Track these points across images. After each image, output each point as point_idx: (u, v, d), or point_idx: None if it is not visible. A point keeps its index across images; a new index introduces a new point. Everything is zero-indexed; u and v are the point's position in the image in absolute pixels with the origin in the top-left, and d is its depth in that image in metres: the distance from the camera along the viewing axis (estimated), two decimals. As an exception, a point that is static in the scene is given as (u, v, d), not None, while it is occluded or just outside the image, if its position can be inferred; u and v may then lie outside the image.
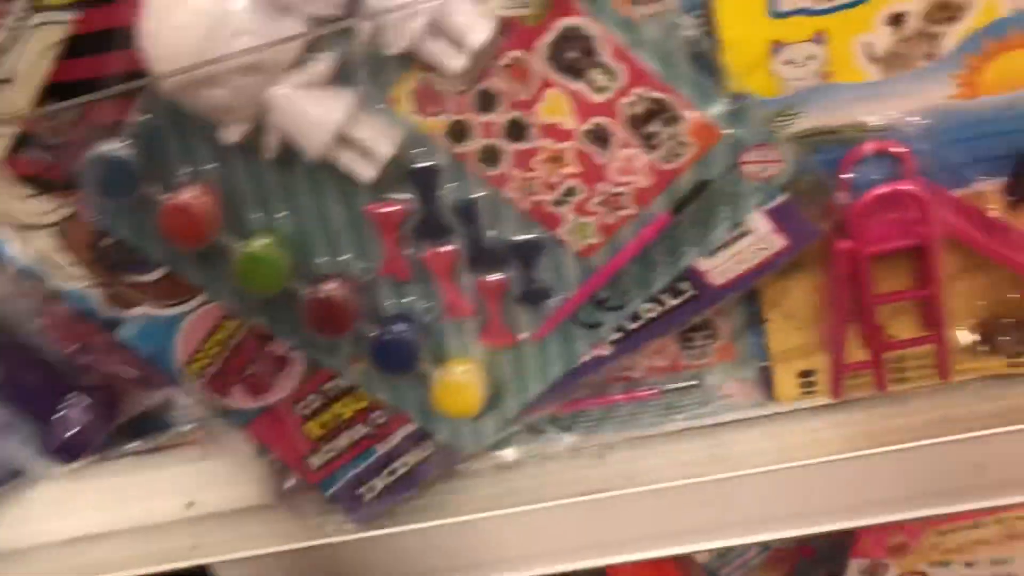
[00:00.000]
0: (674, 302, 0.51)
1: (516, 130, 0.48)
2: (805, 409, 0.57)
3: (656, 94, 0.46)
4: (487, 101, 0.47)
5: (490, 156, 0.48)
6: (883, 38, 0.47)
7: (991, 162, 0.50)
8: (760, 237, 0.50)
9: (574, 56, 0.46)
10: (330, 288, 0.50)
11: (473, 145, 0.48)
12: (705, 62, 0.46)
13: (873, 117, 0.49)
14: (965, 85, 0.47)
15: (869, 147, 0.49)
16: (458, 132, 0.48)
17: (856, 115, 0.49)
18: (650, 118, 0.47)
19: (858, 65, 0.47)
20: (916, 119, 0.48)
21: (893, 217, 0.50)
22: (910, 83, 0.47)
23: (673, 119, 0.47)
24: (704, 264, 0.50)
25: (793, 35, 0.46)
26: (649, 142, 0.47)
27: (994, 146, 0.49)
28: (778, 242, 0.50)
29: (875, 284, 0.52)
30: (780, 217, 0.49)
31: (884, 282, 0.52)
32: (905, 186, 0.48)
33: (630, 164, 0.48)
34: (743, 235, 0.50)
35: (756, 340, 0.56)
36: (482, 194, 0.49)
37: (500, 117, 0.47)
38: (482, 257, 0.51)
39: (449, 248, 0.50)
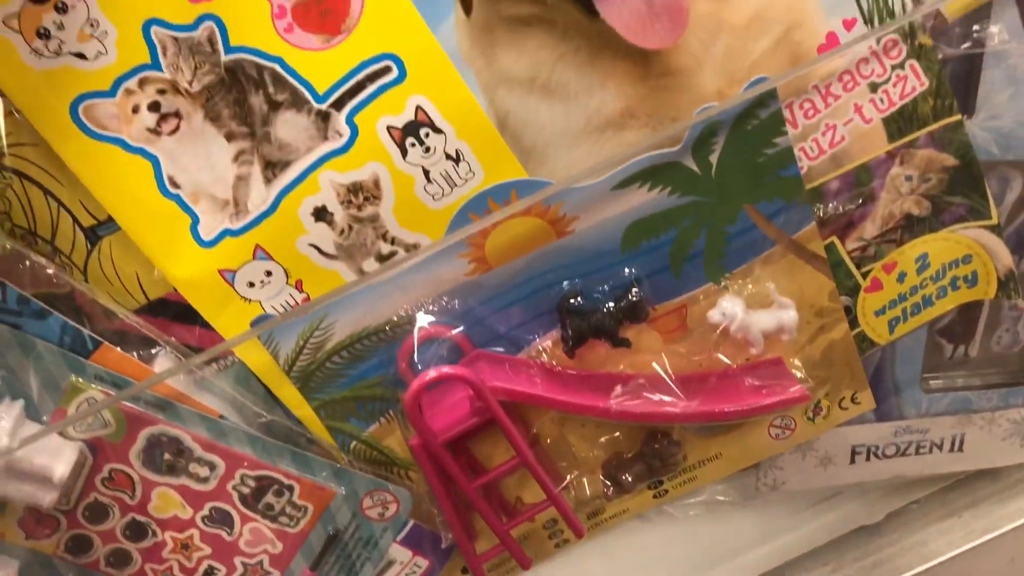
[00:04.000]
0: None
1: (136, 530, 0.48)
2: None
3: (259, 472, 0.47)
4: (98, 513, 0.47)
5: (120, 559, 0.48)
6: (323, 235, 0.44)
7: (541, 319, 0.48)
8: (405, 564, 0.52)
9: (169, 457, 0.46)
10: None
11: (96, 554, 0.48)
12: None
13: (401, 310, 0.47)
14: (476, 260, 0.46)
15: (417, 337, 0.47)
16: (77, 547, 0.48)
17: (385, 314, 0.47)
18: (262, 493, 0.47)
19: (320, 266, 0.45)
20: (445, 302, 0.47)
21: (453, 400, 0.48)
22: (424, 271, 0.46)
23: (283, 490, 0.47)
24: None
25: (234, 260, 0.44)
26: (269, 513, 0.48)
27: (535, 305, 0.48)
28: (422, 563, 0.52)
29: (472, 466, 0.50)
30: (414, 542, 0.51)
31: (490, 458, 0.50)
32: (444, 369, 0.46)
33: (258, 536, 0.49)
34: (389, 566, 0.52)
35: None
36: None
37: (117, 523, 0.47)
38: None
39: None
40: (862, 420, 0.52)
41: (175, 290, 0.45)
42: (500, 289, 0.46)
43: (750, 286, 0.47)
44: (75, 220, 0.45)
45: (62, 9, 0.38)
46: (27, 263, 0.45)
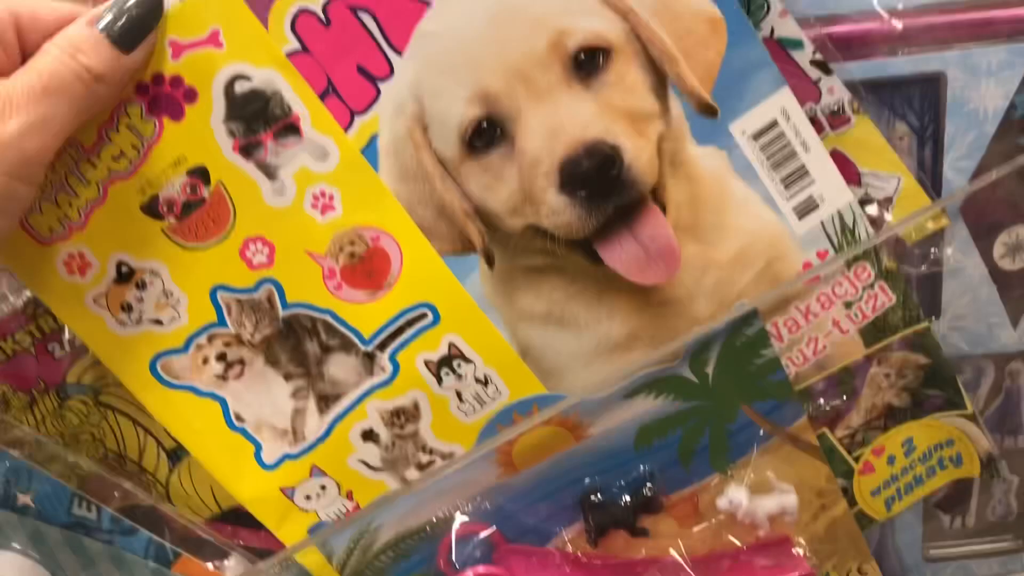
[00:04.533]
0: None
1: None
2: None
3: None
4: None
5: None
6: (371, 452, 0.50)
7: (565, 512, 0.53)
8: None
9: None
10: None
11: None
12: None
13: (440, 511, 0.52)
14: (504, 466, 0.51)
15: (458, 532, 0.53)
16: None
17: (425, 515, 0.52)
18: None
19: (369, 478, 0.50)
20: (478, 502, 0.52)
21: (494, 594, 0.53)
22: (458, 477, 0.51)
23: None
24: None
25: (293, 478, 0.49)
26: None
27: (559, 500, 0.53)
28: None
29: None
30: None
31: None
32: (480, 569, 0.51)
33: None
34: None
35: None
36: None
37: None
38: None
39: None
40: (869, 593, 0.56)
41: (244, 501, 0.51)
42: (527, 488, 0.51)
43: (753, 474, 0.52)
44: (159, 444, 0.52)
45: (142, 286, 0.44)
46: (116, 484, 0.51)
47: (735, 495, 0.51)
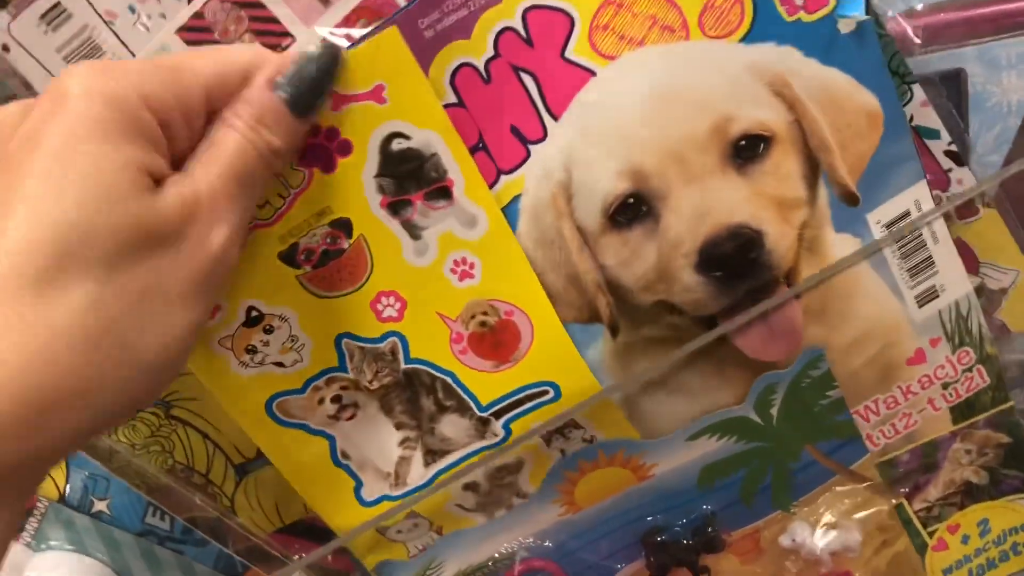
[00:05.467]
0: None
1: None
2: None
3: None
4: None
5: None
6: (469, 498, 0.50)
7: (626, 550, 0.54)
8: None
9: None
10: None
11: None
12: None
13: (500, 548, 0.52)
14: (567, 504, 0.52)
15: (520, 569, 0.54)
16: None
17: (486, 552, 0.53)
18: None
19: (461, 517, 0.51)
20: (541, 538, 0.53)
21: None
22: (519, 516, 0.52)
23: None
24: None
25: (389, 518, 0.49)
26: None
27: (621, 538, 0.54)
28: None
29: None
30: None
31: None
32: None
33: None
34: None
35: None
36: None
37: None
38: None
39: None
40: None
41: (307, 513, 0.52)
42: (589, 526, 0.52)
43: (816, 512, 0.53)
44: (227, 458, 0.51)
45: (269, 331, 0.43)
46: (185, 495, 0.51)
47: (798, 533, 0.53)
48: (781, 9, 0.41)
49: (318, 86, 0.37)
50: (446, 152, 0.41)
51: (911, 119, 0.46)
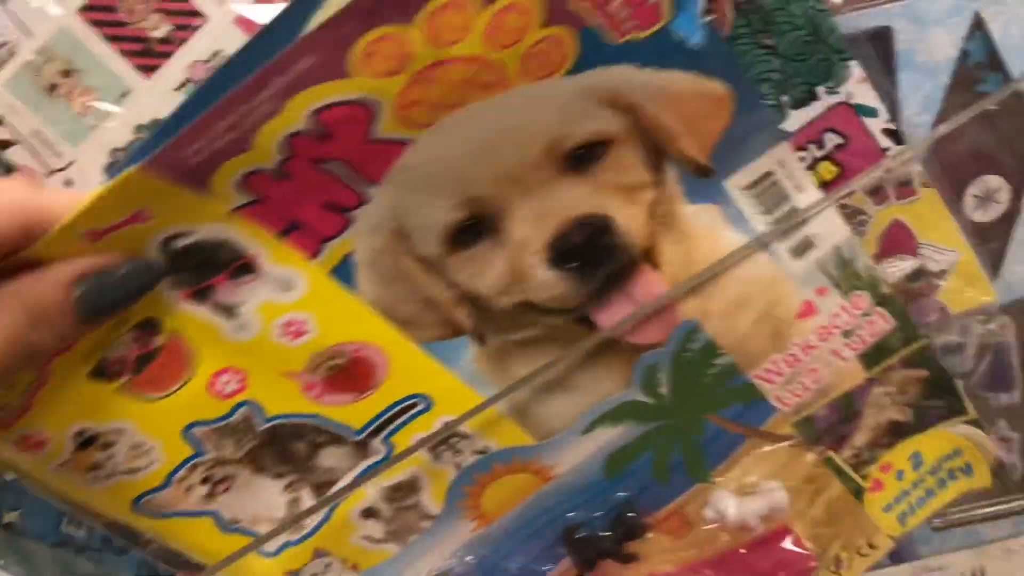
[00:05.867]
0: None
1: None
2: None
3: None
4: None
5: None
6: (373, 527, 0.49)
7: (551, 551, 0.53)
8: None
9: None
10: None
11: None
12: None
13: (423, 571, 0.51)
14: (477, 519, 0.51)
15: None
16: None
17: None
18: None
19: (373, 550, 0.50)
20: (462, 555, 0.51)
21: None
22: (435, 537, 0.50)
23: None
24: None
25: (297, 562, 0.48)
26: None
27: (542, 540, 0.52)
28: None
29: None
30: None
31: None
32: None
33: None
34: None
35: None
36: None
37: None
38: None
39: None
40: (880, 566, 0.57)
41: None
42: (506, 535, 0.51)
43: (736, 478, 0.51)
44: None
45: (107, 446, 0.42)
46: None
47: (720, 503, 0.51)
48: (609, 36, 0.39)
49: (117, 303, 0.36)
50: (237, 234, 0.39)
51: (849, 97, 0.44)
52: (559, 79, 0.39)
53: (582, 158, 0.41)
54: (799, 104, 0.44)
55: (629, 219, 0.41)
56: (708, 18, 0.41)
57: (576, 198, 0.41)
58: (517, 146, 0.40)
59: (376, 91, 0.37)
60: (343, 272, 0.41)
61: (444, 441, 0.46)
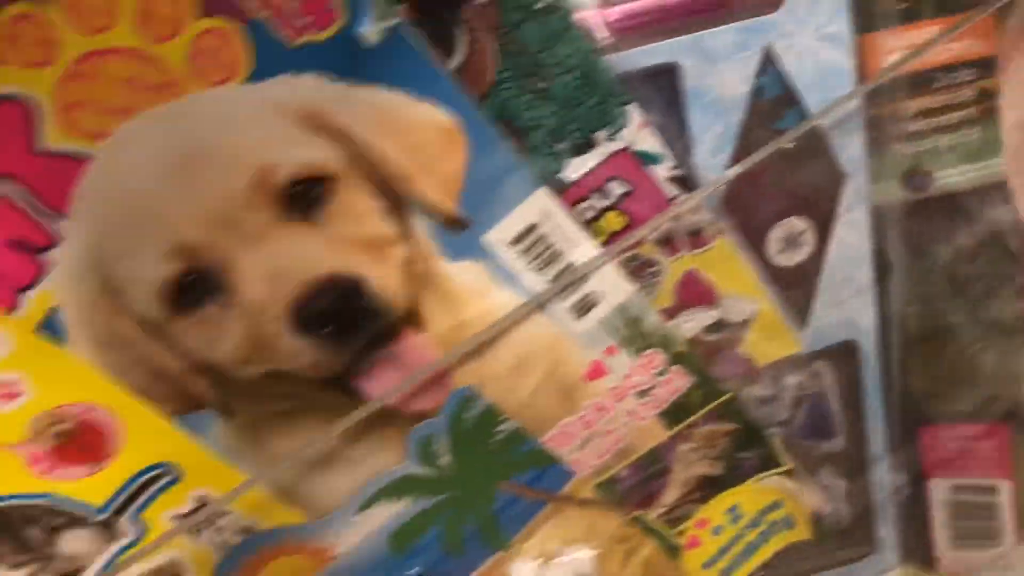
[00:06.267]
0: None
1: None
2: None
3: None
4: None
5: None
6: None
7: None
8: None
9: None
10: None
11: None
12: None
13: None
14: None
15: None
16: None
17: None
18: None
19: None
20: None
21: None
22: None
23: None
24: None
25: None
26: None
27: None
28: None
29: None
30: None
31: None
32: None
33: None
34: None
35: None
36: None
37: None
38: None
39: None
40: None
41: None
42: None
43: (539, 544, 0.48)
44: None
45: None
46: None
47: (521, 572, 0.48)
48: (280, 35, 0.34)
49: None
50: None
51: (630, 145, 0.41)
52: (240, 87, 0.35)
53: (302, 198, 0.37)
54: (577, 152, 0.41)
55: (382, 279, 0.38)
56: (389, 23, 0.36)
57: (311, 254, 0.37)
58: (217, 173, 0.35)
59: (28, 84, 0.33)
60: (51, 328, 0.37)
61: (199, 519, 0.41)
